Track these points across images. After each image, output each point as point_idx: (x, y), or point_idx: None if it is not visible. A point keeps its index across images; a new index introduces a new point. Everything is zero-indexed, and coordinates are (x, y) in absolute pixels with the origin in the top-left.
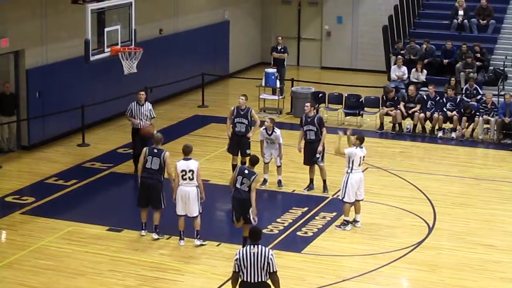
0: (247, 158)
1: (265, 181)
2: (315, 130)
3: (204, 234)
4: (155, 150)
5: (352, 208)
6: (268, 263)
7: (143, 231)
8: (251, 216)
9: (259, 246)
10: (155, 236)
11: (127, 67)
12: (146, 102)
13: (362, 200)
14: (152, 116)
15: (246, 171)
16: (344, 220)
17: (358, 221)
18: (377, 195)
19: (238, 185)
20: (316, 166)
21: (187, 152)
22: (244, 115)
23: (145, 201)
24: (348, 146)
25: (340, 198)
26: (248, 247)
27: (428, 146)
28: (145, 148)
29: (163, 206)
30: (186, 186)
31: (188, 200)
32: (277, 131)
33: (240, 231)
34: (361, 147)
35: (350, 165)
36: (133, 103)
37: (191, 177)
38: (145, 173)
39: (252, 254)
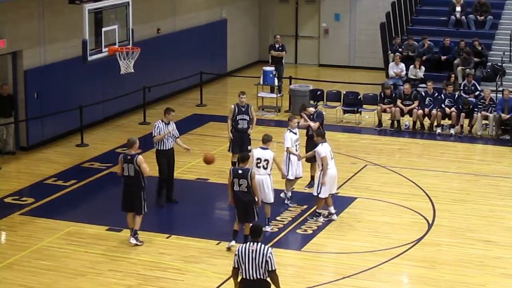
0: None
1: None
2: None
3: (204, 233)
4: (128, 157)
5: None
6: (267, 261)
7: (132, 238)
8: (257, 201)
9: (259, 243)
10: (132, 241)
11: (124, 66)
12: (171, 121)
13: (336, 193)
14: (177, 136)
15: (240, 171)
16: (316, 211)
17: (333, 213)
18: (376, 192)
19: (236, 188)
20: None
21: (265, 141)
22: (246, 111)
23: (129, 206)
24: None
25: (315, 194)
26: (248, 244)
27: (427, 143)
28: (120, 156)
29: (143, 212)
30: (260, 175)
31: (262, 188)
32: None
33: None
34: (325, 141)
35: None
36: (159, 122)
37: (265, 166)
38: (125, 180)
39: (250, 251)
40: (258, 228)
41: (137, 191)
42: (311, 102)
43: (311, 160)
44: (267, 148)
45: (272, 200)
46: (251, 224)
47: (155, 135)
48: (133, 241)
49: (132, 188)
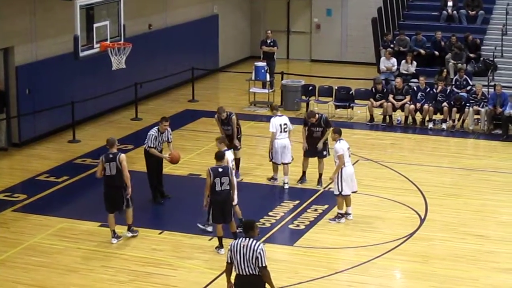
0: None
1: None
2: (322, 129)
3: (196, 228)
4: (110, 156)
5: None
6: (257, 257)
7: (114, 239)
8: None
9: (250, 239)
10: (129, 234)
11: (116, 62)
12: (167, 130)
13: (356, 192)
14: (170, 141)
15: (220, 169)
16: (338, 213)
17: (350, 214)
18: (369, 187)
19: (218, 188)
20: (314, 160)
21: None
22: (227, 123)
23: (112, 207)
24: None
25: (337, 193)
26: (240, 239)
27: (419, 138)
28: (101, 156)
29: (131, 206)
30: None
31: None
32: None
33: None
34: (342, 139)
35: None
36: (154, 131)
37: (234, 167)
38: (108, 181)
39: (242, 246)
40: (250, 223)
41: (119, 190)
42: (303, 97)
43: (309, 154)
44: (229, 149)
45: (235, 202)
46: (246, 219)
47: (151, 146)
48: (130, 234)
49: (114, 187)
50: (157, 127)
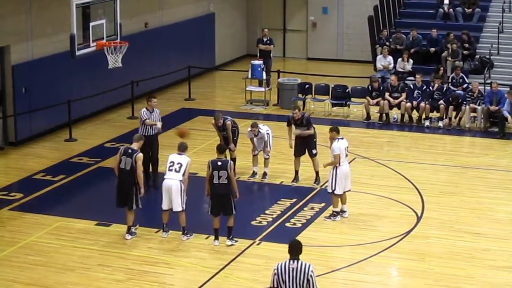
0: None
1: (254, 173)
2: (305, 128)
3: (192, 227)
4: (129, 151)
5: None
6: (308, 280)
7: (127, 234)
8: (235, 193)
9: (299, 261)
10: (128, 237)
11: (112, 61)
12: (155, 109)
13: (349, 191)
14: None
15: (219, 163)
16: (334, 211)
17: (345, 211)
18: (365, 185)
19: (215, 181)
20: (308, 159)
21: (182, 149)
22: (223, 130)
23: (122, 201)
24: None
25: (330, 191)
26: (288, 261)
27: (415, 136)
28: (121, 147)
29: (134, 207)
30: (170, 180)
31: (171, 194)
32: (262, 129)
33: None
34: (341, 138)
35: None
36: (143, 110)
37: (177, 170)
38: (120, 173)
39: (291, 269)
40: (298, 245)
41: (130, 186)
42: (299, 95)
43: (299, 153)
44: (182, 154)
45: (181, 208)
46: (292, 240)
47: (146, 118)
48: (128, 237)
49: (125, 182)
50: (145, 107)
